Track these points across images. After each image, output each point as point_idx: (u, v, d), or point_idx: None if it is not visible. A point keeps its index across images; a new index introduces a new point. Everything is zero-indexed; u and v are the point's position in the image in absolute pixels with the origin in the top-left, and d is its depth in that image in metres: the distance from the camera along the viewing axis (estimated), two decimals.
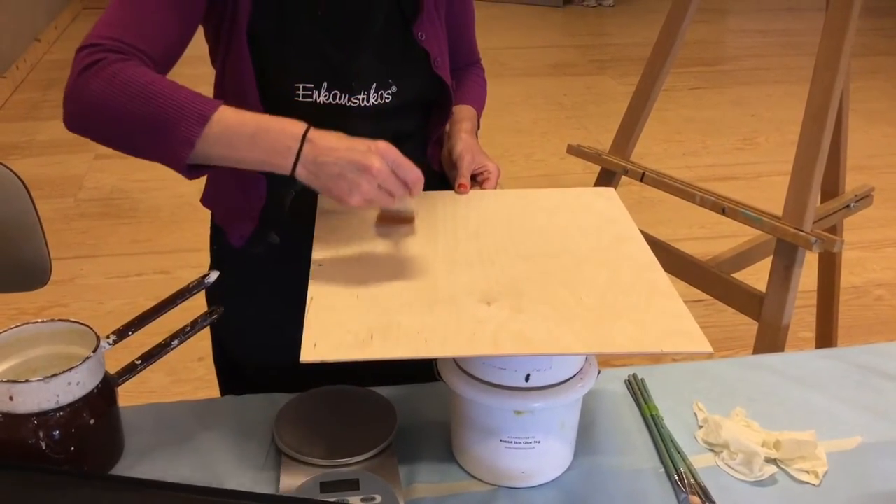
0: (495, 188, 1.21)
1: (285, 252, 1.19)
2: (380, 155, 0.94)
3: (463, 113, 1.26)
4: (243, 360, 1.31)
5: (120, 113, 0.96)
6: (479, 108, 1.33)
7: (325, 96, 1.12)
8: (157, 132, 0.96)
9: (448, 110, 1.23)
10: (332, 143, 0.95)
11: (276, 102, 1.09)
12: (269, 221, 1.20)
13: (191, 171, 0.99)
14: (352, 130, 1.15)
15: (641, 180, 1.87)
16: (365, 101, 1.14)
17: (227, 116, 0.96)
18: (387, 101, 1.15)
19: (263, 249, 1.21)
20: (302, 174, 0.96)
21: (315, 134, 0.96)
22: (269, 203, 1.18)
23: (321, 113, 1.11)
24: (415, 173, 0.97)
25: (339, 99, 1.13)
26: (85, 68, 0.98)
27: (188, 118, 0.95)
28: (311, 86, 1.11)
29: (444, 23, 1.22)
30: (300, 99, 1.11)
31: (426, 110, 1.23)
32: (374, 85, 1.14)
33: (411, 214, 1.09)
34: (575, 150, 2.01)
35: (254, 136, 0.96)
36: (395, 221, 1.10)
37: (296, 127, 0.96)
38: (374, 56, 1.14)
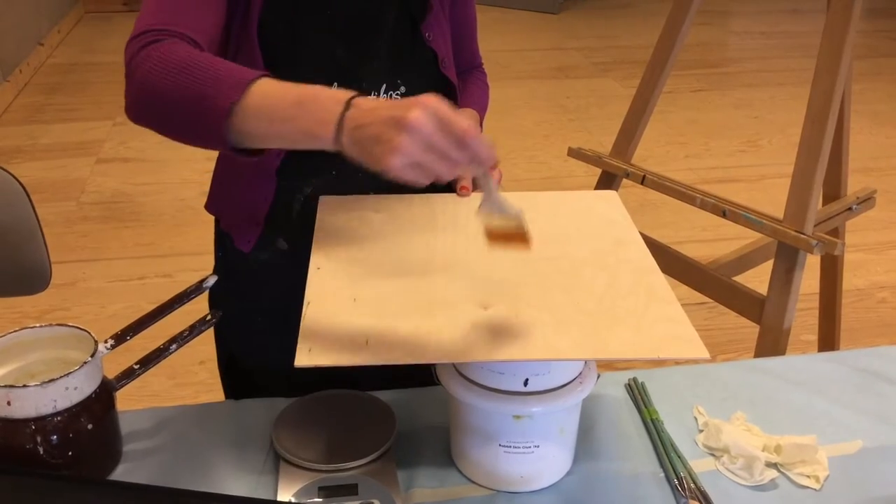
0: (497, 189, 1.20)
1: (292, 257, 1.18)
2: (422, 107, 0.79)
3: (467, 115, 1.26)
4: (248, 364, 1.31)
5: (163, 90, 0.91)
6: (482, 111, 1.33)
7: None
8: (194, 105, 0.90)
9: None
10: (374, 105, 0.84)
11: None
12: (276, 226, 1.19)
13: (238, 152, 0.93)
14: None
15: (642, 183, 1.87)
16: None
17: (269, 87, 0.89)
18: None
19: (270, 255, 1.21)
20: (346, 144, 0.84)
21: (361, 99, 0.85)
22: (277, 208, 1.18)
23: None
24: (470, 134, 0.79)
25: None
26: (137, 52, 0.94)
27: (225, 86, 0.88)
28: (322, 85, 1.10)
29: (450, 24, 1.22)
30: None
31: None
32: (384, 86, 1.14)
33: (521, 228, 0.89)
34: (576, 153, 2.00)
35: (299, 104, 0.87)
36: (505, 239, 0.90)
37: (341, 93, 0.86)
38: (383, 56, 1.14)
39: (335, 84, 1.10)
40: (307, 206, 1.16)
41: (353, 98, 0.85)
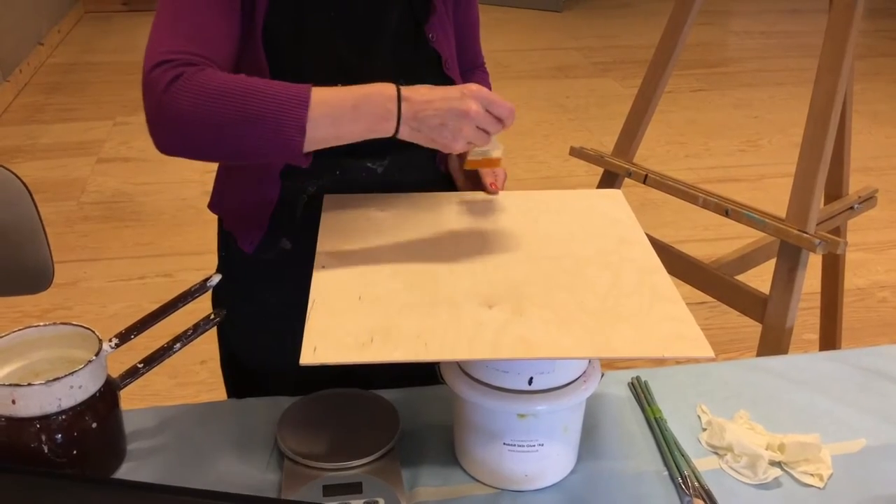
0: (502, 189, 1.21)
1: (296, 257, 1.18)
2: (474, 97, 0.97)
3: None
4: (252, 364, 1.31)
5: (219, 120, 0.95)
6: None
7: None
8: (264, 127, 0.95)
9: None
10: (427, 97, 0.98)
11: None
12: (280, 227, 1.19)
13: (306, 158, 1.00)
14: None
15: (644, 182, 1.87)
16: None
17: (324, 95, 0.97)
18: None
19: (274, 255, 1.21)
20: (405, 132, 0.98)
21: (408, 91, 0.98)
22: (281, 208, 1.18)
23: None
24: (507, 107, 1.00)
25: None
26: (167, 87, 0.95)
27: (290, 105, 0.95)
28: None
29: (453, 25, 1.22)
30: None
31: None
32: None
33: (499, 156, 1.10)
34: (578, 153, 2.00)
35: (355, 107, 0.97)
36: (483, 165, 1.11)
37: (388, 89, 0.98)
38: (387, 58, 1.14)
39: (339, 85, 1.10)
40: (311, 205, 1.16)
41: (400, 91, 0.98)
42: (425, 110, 0.97)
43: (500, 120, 1.00)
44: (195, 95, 0.95)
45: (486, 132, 1.00)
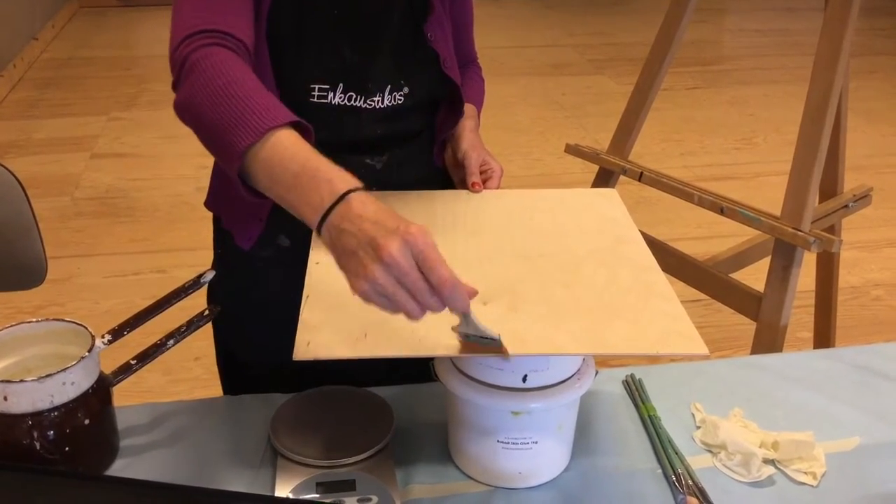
0: (498, 187, 1.21)
1: (293, 254, 1.18)
2: (403, 240, 0.77)
3: (466, 111, 1.26)
4: (247, 360, 1.31)
5: (201, 109, 0.91)
6: (479, 105, 1.33)
7: (341, 98, 1.11)
8: (217, 134, 0.90)
9: (458, 110, 1.22)
10: (364, 211, 0.80)
11: (292, 104, 1.08)
12: (277, 224, 1.19)
13: (249, 192, 0.91)
14: (363, 131, 1.15)
15: (640, 180, 1.87)
16: (380, 104, 1.14)
17: (285, 142, 0.86)
18: (399, 102, 1.15)
19: (272, 252, 1.21)
20: (325, 238, 0.83)
21: (359, 197, 0.81)
22: (277, 205, 1.17)
23: (335, 114, 1.11)
24: (445, 276, 0.77)
25: (355, 101, 1.12)
26: (192, 52, 0.94)
27: (246, 127, 0.87)
28: (327, 87, 1.10)
29: (451, 24, 1.22)
30: (315, 100, 1.11)
31: (435, 110, 1.23)
32: (389, 87, 1.14)
33: (499, 343, 0.85)
34: (573, 150, 2.00)
35: (297, 175, 0.84)
36: (480, 351, 0.88)
37: (342, 183, 0.82)
38: (388, 57, 1.14)
39: (341, 85, 1.10)
40: None
41: (349, 192, 0.81)
42: (349, 224, 0.80)
43: (433, 289, 0.78)
44: (207, 76, 0.92)
45: (420, 301, 0.78)
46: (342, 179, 0.83)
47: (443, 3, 1.19)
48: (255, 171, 0.87)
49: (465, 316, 0.82)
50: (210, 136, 0.91)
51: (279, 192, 0.86)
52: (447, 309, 0.80)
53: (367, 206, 0.80)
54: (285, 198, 0.85)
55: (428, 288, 0.78)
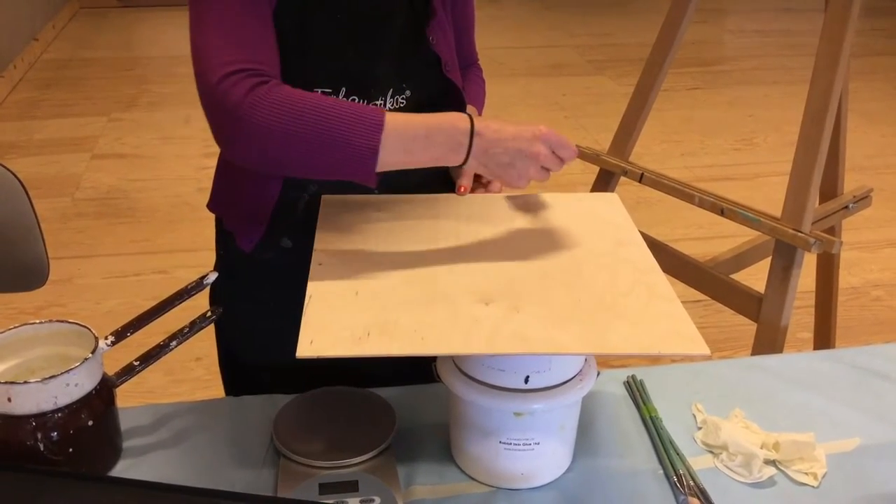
0: (500, 191, 1.21)
1: (296, 256, 1.18)
2: (543, 141, 1.00)
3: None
4: (249, 361, 1.31)
5: (298, 138, 0.96)
6: (480, 107, 1.33)
7: None
8: (338, 148, 0.97)
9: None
10: (499, 134, 1.00)
11: None
12: (280, 225, 1.19)
13: (376, 179, 1.01)
14: None
15: (640, 181, 1.87)
16: (381, 107, 1.14)
17: (397, 120, 0.99)
18: (401, 105, 1.15)
19: (274, 254, 1.21)
20: (472, 165, 1.01)
21: (481, 125, 1.00)
22: (281, 207, 1.18)
23: None
24: (572, 151, 1.03)
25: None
26: (244, 99, 0.95)
27: (365, 129, 0.97)
28: (330, 90, 1.10)
29: (452, 27, 1.22)
30: None
31: (438, 111, 1.23)
32: (391, 90, 1.14)
33: None
34: None
35: (427, 137, 0.99)
36: None
37: (461, 121, 1.00)
38: (390, 60, 1.14)
39: (343, 89, 1.10)
40: (311, 204, 1.16)
41: (474, 124, 0.99)
42: (495, 147, 1.00)
43: (562, 160, 1.03)
44: (276, 110, 0.95)
45: (549, 171, 1.04)
46: (457, 118, 1.01)
47: (444, 6, 1.19)
48: (386, 157, 0.98)
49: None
50: (321, 151, 0.97)
51: (417, 156, 1.00)
52: None
53: (494, 129, 1.00)
54: (423, 158, 1.01)
55: (560, 160, 1.03)
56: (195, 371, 2.47)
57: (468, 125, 0.99)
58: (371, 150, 0.97)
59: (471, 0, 1.29)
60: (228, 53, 0.98)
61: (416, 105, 1.17)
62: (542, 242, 1.08)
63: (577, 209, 1.18)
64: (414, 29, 1.15)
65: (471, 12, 1.31)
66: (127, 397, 1.03)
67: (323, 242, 1.06)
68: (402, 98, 1.15)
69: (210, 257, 1.30)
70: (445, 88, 1.19)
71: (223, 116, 0.97)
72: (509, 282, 0.98)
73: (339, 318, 0.90)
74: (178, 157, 3.83)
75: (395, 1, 1.14)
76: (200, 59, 0.99)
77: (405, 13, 1.14)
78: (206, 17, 1.00)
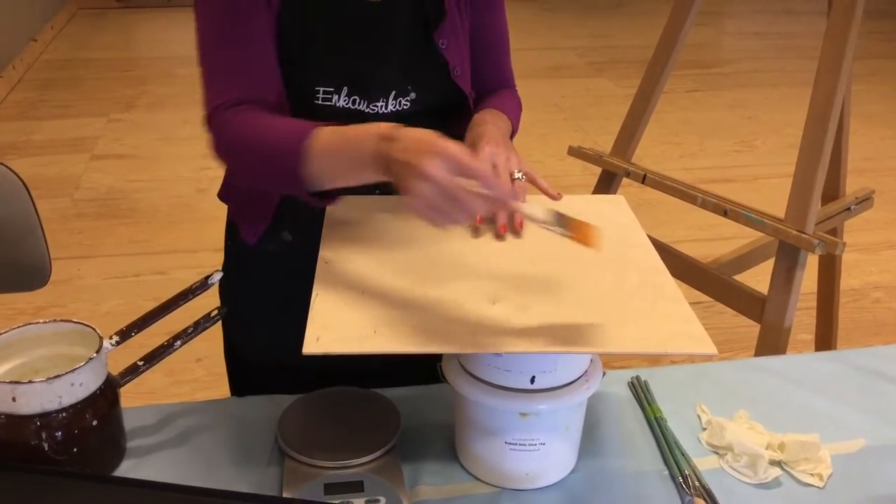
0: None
1: (298, 250, 1.18)
2: (433, 154, 0.84)
3: (485, 116, 1.17)
4: (254, 358, 1.31)
5: (245, 166, 1.09)
6: (515, 121, 1.25)
7: (345, 101, 1.11)
8: (275, 173, 1.02)
9: (467, 123, 1.18)
10: (396, 145, 0.90)
11: (298, 104, 1.09)
12: (282, 219, 1.19)
13: (322, 198, 1.03)
14: None
15: (643, 182, 1.87)
16: (383, 108, 1.13)
17: (318, 140, 0.98)
18: (405, 107, 1.15)
19: (276, 247, 1.21)
20: (387, 176, 0.93)
21: (386, 133, 0.92)
22: (284, 201, 1.18)
23: (340, 117, 1.11)
24: (481, 171, 0.85)
25: (359, 105, 1.12)
26: (215, 135, 1.07)
27: (294, 137, 0.99)
28: (332, 90, 1.10)
29: (468, 36, 1.19)
30: (320, 102, 1.11)
31: (444, 117, 1.21)
32: (394, 93, 1.13)
33: (566, 222, 0.92)
34: (576, 152, 2.00)
35: (339, 152, 0.97)
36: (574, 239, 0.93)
37: (365, 133, 0.95)
38: (395, 62, 1.13)
39: (345, 88, 1.10)
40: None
41: (387, 131, 0.92)
42: (392, 159, 0.90)
43: (485, 186, 0.85)
44: (227, 147, 1.07)
45: (466, 207, 0.85)
46: (364, 132, 0.94)
47: (460, 9, 1.17)
48: (312, 165, 0.98)
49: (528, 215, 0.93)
50: (264, 178, 1.07)
51: (344, 176, 0.99)
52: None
53: (398, 140, 0.89)
54: (349, 176, 0.98)
55: (469, 193, 0.84)
56: (195, 372, 2.46)
57: (370, 139, 0.93)
58: (296, 154, 0.98)
59: (500, 12, 1.24)
60: (221, 84, 1.07)
61: (422, 109, 1.16)
62: (548, 243, 1.08)
63: (583, 211, 1.17)
64: (422, 31, 1.14)
65: (501, 27, 1.25)
66: (127, 398, 1.03)
67: (329, 241, 1.06)
68: (407, 101, 1.14)
69: (210, 258, 1.30)
70: (452, 94, 1.18)
71: (212, 144, 1.08)
72: (516, 282, 0.98)
73: (346, 316, 0.90)
74: (177, 157, 3.83)
75: None
76: (204, 89, 1.08)
77: (413, 15, 1.13)
78: (205, 42, 1.08)
